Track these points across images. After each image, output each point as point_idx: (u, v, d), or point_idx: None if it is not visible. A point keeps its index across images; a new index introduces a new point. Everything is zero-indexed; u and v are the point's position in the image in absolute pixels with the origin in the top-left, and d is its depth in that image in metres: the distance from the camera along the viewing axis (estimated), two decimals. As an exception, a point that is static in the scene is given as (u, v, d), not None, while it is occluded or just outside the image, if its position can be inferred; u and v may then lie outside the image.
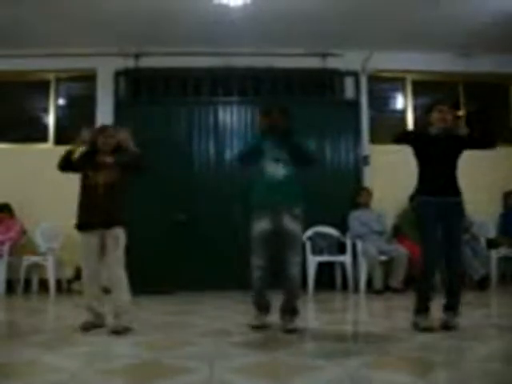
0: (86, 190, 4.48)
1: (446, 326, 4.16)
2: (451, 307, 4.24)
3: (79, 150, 4.60)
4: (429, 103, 4.90)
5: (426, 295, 4.25)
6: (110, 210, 4.44)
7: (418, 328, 4.13)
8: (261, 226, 4.25)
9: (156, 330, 4.46)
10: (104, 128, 4.74)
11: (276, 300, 4.43)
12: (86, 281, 4.46)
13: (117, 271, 4.40)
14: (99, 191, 4.42)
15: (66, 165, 4.58)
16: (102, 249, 4.44)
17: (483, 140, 4.39)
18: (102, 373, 3.05)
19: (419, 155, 4.40)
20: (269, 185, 4.28)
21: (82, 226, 4.47)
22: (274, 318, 4.46)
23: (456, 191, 4.35)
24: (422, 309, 4.22)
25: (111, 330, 4.25)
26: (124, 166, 4.50)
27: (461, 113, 8.46)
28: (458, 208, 4.33)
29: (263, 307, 4.44)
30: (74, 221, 4.54)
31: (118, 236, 4.45)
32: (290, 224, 4.24)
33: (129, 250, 4.63)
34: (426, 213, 4.27)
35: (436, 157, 4.32)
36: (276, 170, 4.29)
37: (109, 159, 4.51)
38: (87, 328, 4.33)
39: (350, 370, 3.07)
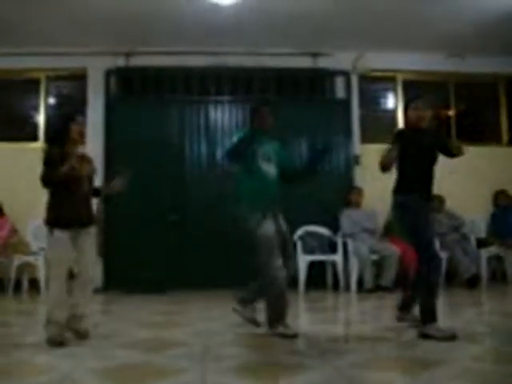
0: (70, 183, 3.96)
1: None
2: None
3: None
4: (405, 101, 4.63)
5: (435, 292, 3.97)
6: (90, 207, 4.21)
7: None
8: (268, 225, 4.07)
9: (147, 330, 4.45)
10: (75, 116, 4.15)
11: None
12: (60, 282, 3.91)
13: (91, 272, 4.20)
14: (83, 185, 4.06)
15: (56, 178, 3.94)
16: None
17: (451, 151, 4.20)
18: (94, 373, 3.04)
19: (407, 157, 4.07)
20: (265, 184, 4.18)
21: (65, 224, 3.97)
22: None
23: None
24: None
25: (79, 334, 3.98)
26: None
27: (451, 113, 8.51)
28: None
29: (285, 310, 4.12)
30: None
31: (93, 234, 4.20)
32: (284, 225, 4.22)
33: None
34: (424, 212, 4.09)
35: (423, 158, 4.12)
36: (269, 168, 4.21)
37: (81, 152, 4.19)
38: (61, 342, 3.79)
39: (343, 369, 3.08)
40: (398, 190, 4.15)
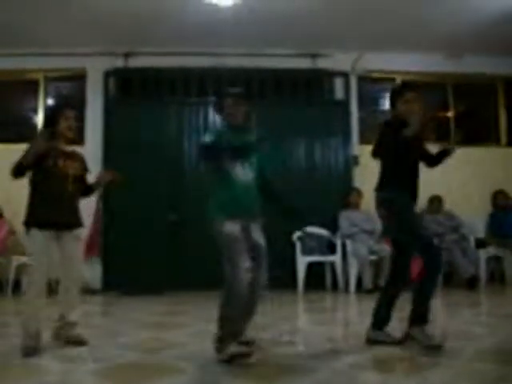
0: (53, 181, 3.78)
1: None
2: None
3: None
4: (392, 90, 4.18)
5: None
6: (76, 208, 3.96)
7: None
8: (233, 225, 3.44)
9: (146, 331, 4.45)
10: (65, 109, 3.97)
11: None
12: (36, 287, 3.66)
13: (79, 278, 3.99)
14: (67, 184, 3.84)
15: (23, 170, 3.81)
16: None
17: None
18: (92, 374, 3.04)
19: (394, 152, 3.78)
20: (239, 191, 3.51)
21: (46, 224, 3.74)
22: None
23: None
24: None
25: (74, 341, 3.78)
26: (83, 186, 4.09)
27: (449, 114, 8.52)
28: None
29: (240, 331, 3.45)
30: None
31: (79, 237, 4.04)
32: (260, 238, 3.63)
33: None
34: (414, 210, 3.91)
35: (413, 158, 3.84)
36: (244, 172, 3.56)
37: (71, 149, 3.99)
38: (30, 353, 3.47)
39: (341, 370, 3.08)
40: (384, 186, 3.85)
